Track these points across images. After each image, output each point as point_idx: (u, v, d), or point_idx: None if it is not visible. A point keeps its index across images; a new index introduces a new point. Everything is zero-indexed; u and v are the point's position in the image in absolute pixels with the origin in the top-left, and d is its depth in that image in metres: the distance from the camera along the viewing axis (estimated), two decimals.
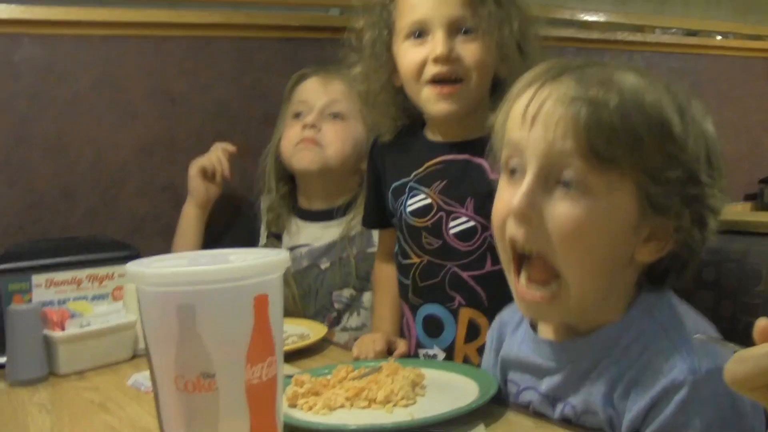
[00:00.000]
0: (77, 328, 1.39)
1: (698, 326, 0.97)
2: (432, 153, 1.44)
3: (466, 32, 1.36)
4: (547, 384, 1.03)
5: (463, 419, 1.00)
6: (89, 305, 1.46)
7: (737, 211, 2.89)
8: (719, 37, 3.23)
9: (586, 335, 0.98)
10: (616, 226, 0.92)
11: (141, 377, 1.31)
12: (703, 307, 1.09)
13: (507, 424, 1.01)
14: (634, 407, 0.91)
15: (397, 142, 1.51)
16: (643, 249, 0.94)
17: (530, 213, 0.92)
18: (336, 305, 1.78)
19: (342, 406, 1.07)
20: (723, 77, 3.12)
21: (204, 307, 0.68)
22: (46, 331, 1.37)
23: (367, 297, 1.80)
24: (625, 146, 0.88)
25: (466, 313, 1.40)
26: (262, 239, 1.87)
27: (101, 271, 1.56)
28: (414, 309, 1.47)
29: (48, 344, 1.37)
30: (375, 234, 1.77)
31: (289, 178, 1.89)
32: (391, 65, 1.45)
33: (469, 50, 1.35)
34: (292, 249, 1.83)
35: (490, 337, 1.21)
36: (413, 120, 1.50)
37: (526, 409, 1.07)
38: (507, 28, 1.36)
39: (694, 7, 3.14)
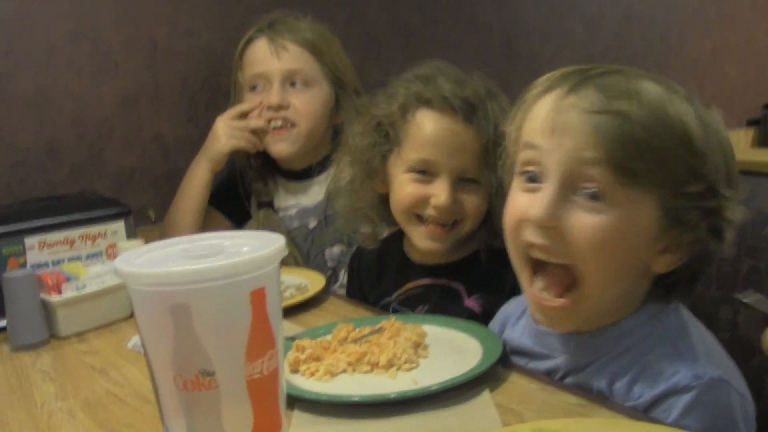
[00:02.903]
0: (74, 291, 1.38)
1: (703, 336, 0.99)
2: (413, 275, 1.42)
3: (469, 181, 1.31)
4: (543, 366, 1.05)
5: (468, 384, 0.99)
6: (84, 267, 1.45)
7: (740, 139, 2.85)
8: None
9: (590, 332, 0.99)
10: (636, 238, 0.92)
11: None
12: None
13: (512, 388, 1.01)
14: (632, 402, 0.93)
15: (379, 256, 1.50)
16: (659, 260, 0.95)
17: (553, 223, 0.91)
18: (329, 263, 1.76)
19: (344, 371, 1.07)
20: None
21: (199, 306, 0.66)
22: (44, 296, 1.36)
23: None
24: (650, 161, 0.87)
25: None
26: (254, 211, 1.83)
27: (93, 229, 1.54)
28: None
29: (46, 309, 1.36)
30: None
31: None
32: (382, 176, 1.39)
33: (470, 200, 1.32)
34: (283, 210, 1.81)
35: (492, 327, 1.21)
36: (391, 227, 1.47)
37: (531, 371, 1.07)
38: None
39: None
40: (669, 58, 2.91)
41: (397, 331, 1.15)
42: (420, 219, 1.34)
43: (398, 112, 1.33)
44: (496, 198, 1.28)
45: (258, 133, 1.74)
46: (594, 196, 0.90)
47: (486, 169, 1.27)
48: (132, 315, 1.41)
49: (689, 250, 0.94)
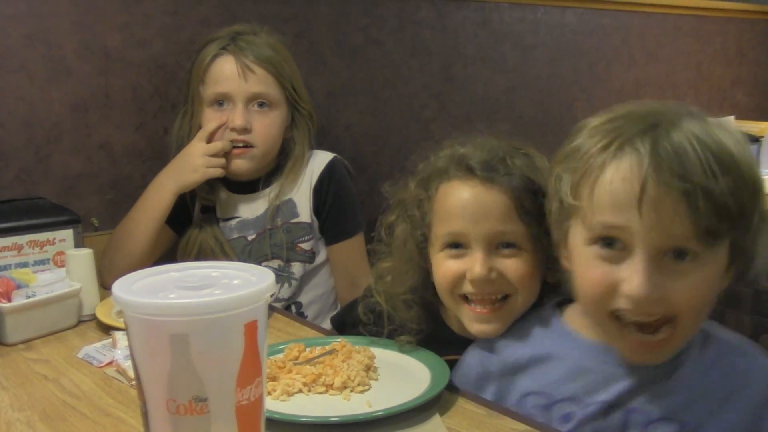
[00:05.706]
0: (23, 299, 1.39)
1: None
2: (451, 346, 1.28)
3: (507, 246, 1.19)
4: (610, 392, 1.06)
5: (419, 408, 1.05)
6: (33, 274, 1.45)
7: None
8: None
9: None
10: (717, 278, 0.99)
11: (92, 350, 1.32)
12: None
13: (461, 413, 1.07)
14: (729, 417, 1.03)
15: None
16: (724, 281, 1.02)
17: (655, 297, 0.94)
18: None
19: (300, 391, 1.12)
20: (651, 35, 3.19)
21: (198, 336, 0.70)
22: None
23: (296, 267, 1.84)
24: (733, 219, 0.93)
25: None
26: (196, 215, 1.86)
27: (42, 236, 1.55)
28: None
29: None
30: (299, 205, 1.82)
31: None
32: (422, 267, 1.28)
33: (512, 266, 1.18)
34: (225, 220, 1.84)
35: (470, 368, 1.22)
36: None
37: (478, 396, 1.14)
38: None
39: None
40: (595, 87, 3.05)
41: (349, 353, 1.20)
42: (466, 300, 1.22)
43: (422, 191, 1.27)
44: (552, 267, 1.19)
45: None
46: (684, 257, 0.95)
47: (525, 228, 1.17)
48: (79, 323, 1.46)
49: (739, 266, 1.02)
